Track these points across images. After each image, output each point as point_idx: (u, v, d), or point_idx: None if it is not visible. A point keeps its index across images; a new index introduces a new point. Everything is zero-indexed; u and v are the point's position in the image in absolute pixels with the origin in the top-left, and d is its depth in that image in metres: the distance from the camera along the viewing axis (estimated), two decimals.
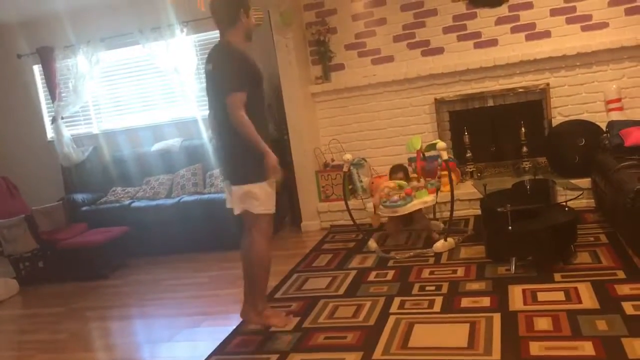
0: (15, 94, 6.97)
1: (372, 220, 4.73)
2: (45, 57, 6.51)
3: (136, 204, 5.88)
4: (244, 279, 3.39)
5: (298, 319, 3.50)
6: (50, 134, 6.91)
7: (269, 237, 3.30)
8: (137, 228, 5.58)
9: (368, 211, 4.70)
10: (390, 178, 4.86)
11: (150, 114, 6.61)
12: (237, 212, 3.21)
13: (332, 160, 5.79)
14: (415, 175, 4.79)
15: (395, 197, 4.46)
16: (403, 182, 4.61)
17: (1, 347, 4.03)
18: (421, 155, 4.67)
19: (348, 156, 4.87)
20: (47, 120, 6.97)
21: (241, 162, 3.13)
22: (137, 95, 6.64)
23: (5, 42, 6.78)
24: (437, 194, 4.55)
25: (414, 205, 4.43)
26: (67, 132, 6.65)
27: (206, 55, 3.26)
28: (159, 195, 5.97)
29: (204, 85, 3.33)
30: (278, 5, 5.39)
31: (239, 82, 3.01)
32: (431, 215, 5.04)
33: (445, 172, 4.60)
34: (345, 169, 4.91)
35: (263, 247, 3.25)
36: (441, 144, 4.45)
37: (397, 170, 4.95)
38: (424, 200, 4.45)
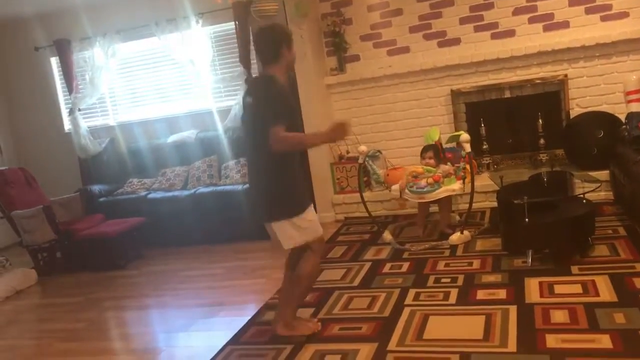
0: (33, 86, 7.04)
1: (399, 205, 4.66)
2: (63, 50, 6.55)
3: (152, 195, 5.92)
4: (282, 290, 3.32)
5: (313, 310, 3.51)
6: (67, 125, 6.97)
7: (322, 253, 3.24)
8: (153, 219, 5.62)
9: (393, 194, 4.67)
10: (421, 157, 4.78)
11: (166, 105, 6.63)
12: (288, 248, 3.11)
13: (347, 152, 5.77)
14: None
15: (423, 183, 4.43)
16: (431, 168, 4.55)
17: (20, 336, 4.08)
18: (440, 146, 4.64)
19: (363, 148, 4.85)
20: (64, 112, 7.03)
21: (280, 198, 3.01)
22: (153, 87, 6.67)
23: (23, 35, 6.84)
24: (464, 182, 4.50)
25: (442, 192, 4.40)
26: (84, 124, 6.70)
27: (245, 88, 3.19)
28: (175, 187, 6.01)
29: (242, 116, 3.27)
30: None
31: (281, 116, 2.92)
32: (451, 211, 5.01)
33: (467, 164, 4.55)
34: (360, 160, 4.90)
35: (316, 265, 3.17)
36: (465, 136, 4.40)
37: (427, 149, 4.72)
38: (451, 187, 4.41)
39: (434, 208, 4.84)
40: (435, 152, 4.67)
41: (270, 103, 2.95)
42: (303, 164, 5.54)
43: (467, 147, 4.39)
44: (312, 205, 3.14)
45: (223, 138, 6.04)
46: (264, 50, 3.09)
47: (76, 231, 5.42)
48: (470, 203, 4.48)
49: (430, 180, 4.41)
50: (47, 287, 5.16)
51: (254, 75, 3.01)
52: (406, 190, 4.50)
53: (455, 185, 4.42)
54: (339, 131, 3.03)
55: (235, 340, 3.32)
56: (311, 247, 3.10)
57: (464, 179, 4.48)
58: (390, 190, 4.73)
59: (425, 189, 4.40)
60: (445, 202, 4.67)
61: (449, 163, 4.62)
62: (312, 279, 3.21)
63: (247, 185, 3.31)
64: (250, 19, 5.40)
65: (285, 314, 3.21)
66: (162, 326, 3.95)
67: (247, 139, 3.17)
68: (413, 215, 5.00)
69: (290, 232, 3.02)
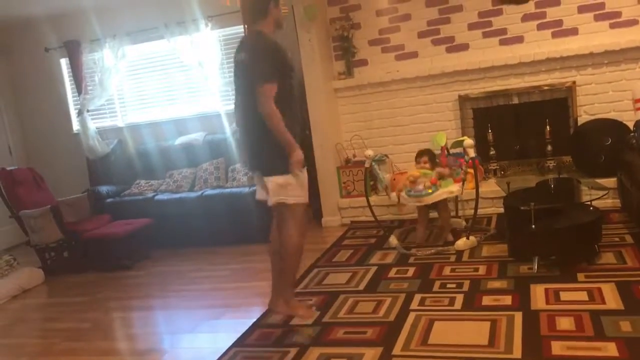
0: (42, 86, 7.09)
1: (397, 209, 4.71)
2: (72, 51, 6.61)
3: (159, 196, 5.95)
4: (273, 269, 3.40)
5: (318, 313, 3.51)
6: (76, 126, 7.02)
7: (303, 226, 3.29)
8: (160, 220, 5.64)
9: (392, 200, 4.67)
10: (416, 161, 4.79)
11: (175, 108, 6.67)
12: (271, 203, 3.19)
13: (354, 156, 5.78)
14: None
15: (420, 187, 4.43)
16: (428, 171, 4.56)
17: (27, 335, 4.11)
18: (446, 151, 4.64)
19: (370, 152, 4.86)
20: (73, 113, 7.08)
21: (275, 153, 3.09)
22: (161, 89, 6.70)
23: (33, 36, 6.90)
24: (463, 185, 4.50)
25: (440, 194, 4.40)
26: (92, 125, 6.75)
27: (236, 46, 3.25)
28: (182, 189, 6.03)
29: (232, 74, 3.31)
30: (302, 0, 5.39)
31: (270, 73, 3.01)
32: (453, 213, 5.01)
33: (470, 170, 4.55)
34: (366, 165, 4.90)
35: (297, 237, 3.23)
36: (468, 141, 4.40)
37: (421, 154, 4.77)
38: (449, 189, 4.41)
39: (434, 214, 4.83)
40: (429, 156, 4.69)
41: (261, 59, 3.03)
42: (308, 168, 5.57)
43: (471, 152, 4.39)
44: (305, 168, 3.20)
45: (231, 141, 6.07)
46: (252, 7, 3.17)
47: (83, 231, 5.45)
48: (476, 208, 4.47)
49: (428, 183, 4.41)
50: (54, 286, 5.19)
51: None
52: (404, 195, 4.50)
53: (454, 187, 4.42)
54: (298, 166, 3.10)
55: (240, 342, 3.32)
56: (293, 215, 3.17)
57: (464, 180, 4.48)
58: (389, 197, 4.75)
59: (423, 192, 4.40)
60: (443, 206, 4.67)
61: (446, 167, 4.61)
62: (298, 253, 3.26)
63: (240, 136, 3.37)
64: None
65: (284, 292, 3.30)
66: (167, 327, 3.96)
67: (243, 96, 3.20)
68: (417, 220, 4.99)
69: (293, 185, 3.11)
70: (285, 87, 3.09)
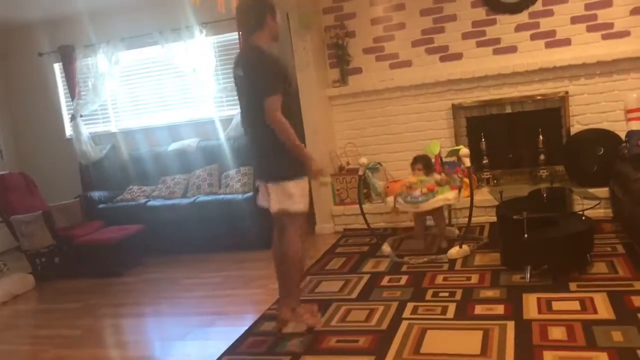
0: (35, 91, 7.07)
1: (393, 214, 4.70)
2: (66, 56, 6.59)
3: (152, 202, 5.92)
4: (278, 279, 3.42)
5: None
6: (69, 131, 6.99)
7: (303, 234, 3.31)
8: (152, 227, 5.62)
9: (388, 205, 4.67)
10: (412, 168, 4.80)
11: (168, 114, 6.66)
12: (273, 211, 3.21)
13: (348, 163, 5.79)
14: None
15: (417, 193, 4.42)
16: (425, 178, 4.57)
17: (16, 342, 4.07)
18: (440, 160, 4.64)
19: (364, 160, 4.87)
20: (66, 118, 7.05)
21: (278, 160, 3.14)
22: (155, 95, 6.70)
23: (27, 40, 6.88)
24: (459, 192, 4.51)
25: (436, 201, 4.40)
26: (85, 130, 6.72)
27: (232, 57, 3.27)
28: (175, 195, 6.01)
29: (234, 87, 3.33)
30: (297, 8, 5.41)
31: (275, 85, 3.02)
32: (446, 222, 5.01)
33: (466, 179, 4.56)
34: (360, 172, 4.90)
35: (299, 245, 3.25)
36: (464, 151, 4.41)
37: (417, 161, 4.75)
38: (446, 196, 4.41)
39: (430, 222, 4.83)
40: (425, 163, 4.69)
41: (262, 73, 3.03)
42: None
43: (467, 162, 4.40)
44: (307, 177, 3.22)
45: (224, 147, 6.06)
46: (248, 19, 3.15)
47: (75, 237, 5.42)
48: (470, 217, 4.49)
49: (425, 190, 4.41)
50: (45, 292, 5.15)
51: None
52: (400, 201, 4.49)
53: (450, 194, 4.42)
54: (315, 169, 3.16)
55: (232, 350, 3.30)
56: (294, 223, 3.19)
57: (460, 188, 4.48)
58: (385, 203, 4.74)
59: (420, 199, 4.40)
60: (439, 214, 4.67)
61: (442, 174, 4.61)
62: (300, 260, 3.29)
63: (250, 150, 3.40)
64: None
65: (290, 301, 3.33)
66: (158, 335, 3.93)
67: (246, 109, 3.22)
68: (412, 228, 5.00)
69: (295, 192, 3.13)
70: (287, 96, 3.11)
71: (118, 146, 6.79)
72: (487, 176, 5.50)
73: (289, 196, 3.13)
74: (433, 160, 4.70)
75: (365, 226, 4.99)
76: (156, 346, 3.71)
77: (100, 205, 6.09)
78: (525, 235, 3.68)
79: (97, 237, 5.43)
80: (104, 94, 6.67)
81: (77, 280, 5.26)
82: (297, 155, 3.11)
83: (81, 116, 6.70)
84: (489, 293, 3.61)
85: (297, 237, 3.24)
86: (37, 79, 7.01)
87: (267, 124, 3.04)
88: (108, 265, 5.32)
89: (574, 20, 5.21)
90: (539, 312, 3.23)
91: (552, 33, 5.28)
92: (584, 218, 3.95)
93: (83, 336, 3.94)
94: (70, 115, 6.80)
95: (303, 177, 3.18)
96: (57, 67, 6.95)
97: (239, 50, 3.26)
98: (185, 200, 5.82)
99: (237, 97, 3.34)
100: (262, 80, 3.03)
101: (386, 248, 4.68)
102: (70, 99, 6.75)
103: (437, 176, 4.55)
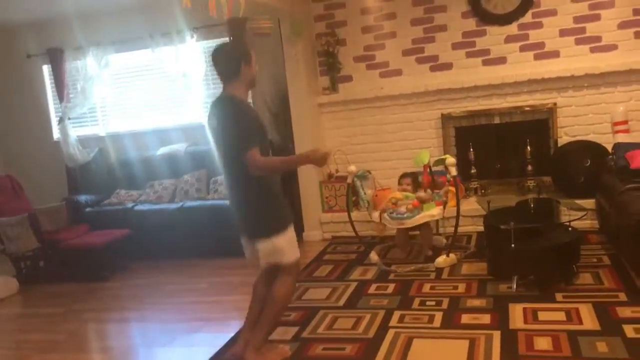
0: (23, 93, 7.00)
1: (377, 230, 4.69)
2: (55, 58, 6.54)
3: (139, 207, 5.88)
4: (251, 315, 3.21)
5: (297, 329, 3.49)
6: (56, 134, 6.92)
7: (297, 275, 3.19)
8: (139, 231, 5.57)
9: (374, 220, 4.69)
10: (399, 183, 4.83)
11: (157, 118, 6.63)
12: (262, 265, 3.06)
13: (337, 171, 5.78)
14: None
15: (402, 209, 4.44)
16: (410, 194, 4.59)
17: None
18: (428, 169, 4.66)
19: (352, 168, 4.87)
20: (54, 121, 6.99)
21: (260, 216, 3.00)
22: (144, 99, 6.66)
23: (15, 42, 6.82)
24: (444, 208, 4.54)
25: (422, 217, 4.42)
26: (73, 133, 6.67)
27: (208, 110, 3.10)
28: (162, 200, 5.98)
29: (213, 138, 3.18)
30: (289, 15, 5.42)
31: (251, 138, 2.89)
32: (434, 231, 5.02)
33: (452, 188, 4.58)
34: (349, 180, 4.91)
35: (290, 289, 3.11)
36: (450, 160, 4.44)
37: (404, 176, 4.86)
38: (431, 213, 4.44)
39: (415, 231, 4.84)
40: (413, 179, 4.73)
41: (236, 126, 2.90)
42: (291, 182, 5.56)
43: (453, 171, 4.43)
44: (292, 225, 3.07)
45: (213, 152, 6.02)
46: (223, 67, 3.03)
47: (60, 241, 5.36)
48: (456, 226, 4.50)
49: (410, 206, 4.43)
50: (28, 296, 5.09)
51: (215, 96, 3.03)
52: (386, 216, 4.51)
53: (435, 211, 4.45)
54: (318, 158, 3.00)
55: (216, 357, 3.28)
56: (288, 269, 3.04)
57: (445, 203, 4.51)
58: (371, 217, 4.75)
59: (405, 215, 4.42)
60: (426, 227, 4.70)
61: (427, 190, 4.63)
62: (286, 302, 3.11)
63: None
64: (245, 36, 5.42)
65: (257, 339, 3.06)
66: (143, 340, 3.89)
67: (223, 161, 3.08)
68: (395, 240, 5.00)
69: (283, 246, 2.98)
70: (263, 148, 2.97)
71: (106, 149, 6.74)
72: (475, 186, 5.53)
73: (277, 251, 2.99)
74: (422, 169, 4.71)
75: (353, 234, 4.99)
76: (141, 352, 3.68)
77: (87, 209, 6.03)
78: (512, 245, 3.69)
79: (83, 241, 5.38)
80: (93, 97, 6.62)
81: (62, 285, 5.20)
82: (297, 166, 2.98)
83: (69, 119, 6.65)
84: (476, 302, 3.62)
85: (291, 280, 3.09)
86: (26, 80, 6.95)
87: (244, 179, 2.92)
88: (93, 270, 5.26)
89: (563, 32, 5.26)
90: (525, 322, 3.24)
91: (541, 45, 5.33)
92: (570, 229, 3.98)
93: (67, 341, 3.89)
94: (58, 118, 6.74)
95: (288, 228, 3.03)
96: (46, 69, 6.89)
97: (213, 100, 3.11)
98: (172, 205, 5.79)
99: (215, 147, 3.19)
100: (237, 136, 2.90)
101: (374, 256, 4.68)
102: (58, 102, 6.70)
103: (421, 194, 4.57)
